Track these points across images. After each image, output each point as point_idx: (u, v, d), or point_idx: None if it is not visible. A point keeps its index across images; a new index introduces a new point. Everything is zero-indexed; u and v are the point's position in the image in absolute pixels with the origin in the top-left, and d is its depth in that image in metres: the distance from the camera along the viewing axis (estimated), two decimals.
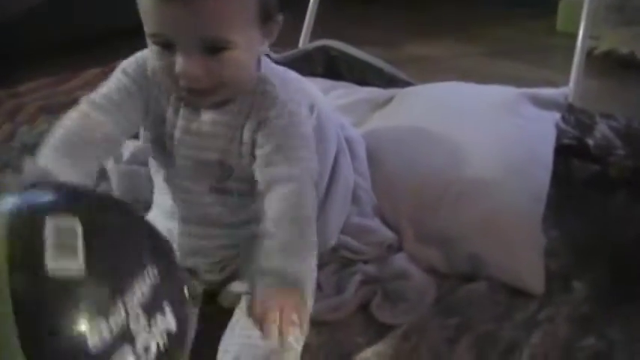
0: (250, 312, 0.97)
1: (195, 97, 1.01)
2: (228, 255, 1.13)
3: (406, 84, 1.69)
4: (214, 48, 0.96)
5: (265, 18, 1.01)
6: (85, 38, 2.49)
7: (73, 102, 2.00)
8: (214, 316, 1.08)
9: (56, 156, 1.02)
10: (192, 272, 1.13)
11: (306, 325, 0.96)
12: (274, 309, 0.94)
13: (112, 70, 2.23)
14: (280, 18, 1.05)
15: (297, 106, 1.07)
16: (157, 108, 1.09)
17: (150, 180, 1.24)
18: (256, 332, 0.94)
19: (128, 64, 1.10)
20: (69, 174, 0.99)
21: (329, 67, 1.80)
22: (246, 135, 1.05)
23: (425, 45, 2.62)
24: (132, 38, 2.42)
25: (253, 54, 1.03)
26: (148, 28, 0.98)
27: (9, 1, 2.49)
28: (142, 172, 1.29)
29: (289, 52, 1.80)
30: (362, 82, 1.72)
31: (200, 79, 0.97)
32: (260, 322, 0.94)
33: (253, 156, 1.06)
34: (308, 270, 0.99)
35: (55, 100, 2.05)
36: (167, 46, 0.97)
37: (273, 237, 0.99)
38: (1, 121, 1.95)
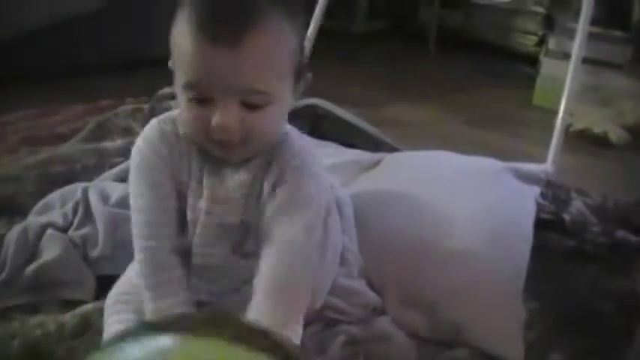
0: None
1: (227, 150, 1.00)
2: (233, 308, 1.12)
3: (391, 148, 1.73)
4: (254, 102, 0.96)
5: (298, 73, 1.03)
6: (69, 72, 2.50)
7: (56, 136, 2.02)
8: None
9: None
10: None
11: None
12: None
13: (96, 109, 2.25)
14: (310, 76, 1.07)
15: (309, 156, 1.07)
16: (179, 182, 1.07)
17: None
18: None
19: (139, 154, 1.07)
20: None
21: (316, 125, 1.82)
22: (266, 188, 1.05)
23: (403, 108, 2.66)
24: (116, 76, 2.46)
25: (286, 109, 1.04)
26: (185, 75, 0.96)
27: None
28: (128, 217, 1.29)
29: None
30: (347, 142, 1.75)
31: (236, 132, 0.96)
32: None
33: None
34: (294, 338, 0.99)
35: (37, 132, 2.05)
36: (202, 100, 0.96)
37: (261, 305, 0.99)
38: None
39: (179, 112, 1.03)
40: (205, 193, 1.05)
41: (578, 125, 2.43)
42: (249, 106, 0.96)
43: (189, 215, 1.07)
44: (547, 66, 2.81)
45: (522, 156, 1.68)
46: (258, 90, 0.96)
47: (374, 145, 1.76)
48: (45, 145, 1.91)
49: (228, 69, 0.93)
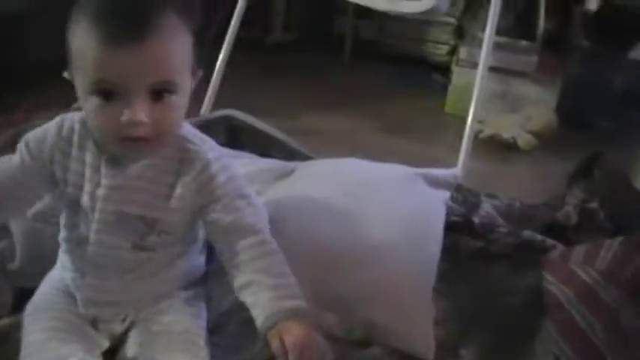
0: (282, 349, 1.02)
1: (138, 145, 1.02)
2: (131, 305, 1.15)
3: (306, 157, 1.76)
4: (160, 93, 1.00)
5: (193, 68, 1.07)
6: None
7: None
8: None
9: None
10: (93, 322, 1.14)
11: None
12: (308, 344, 1.02)
13: (8, 121, 2.20)
14: (200, 72, 1.11)
15: (224, 159, 1.14)
16: (71, 171, 1.11)
17: (54, 238, 1.25)
18: None
19: (33, 139, 1.13)
20: None
21: (231, 136, 1.84)
22: (180, 192, 1.09)
23: (320, 118, 2.69)
24: (31, 86, 2.40)
25: (186, 101, 1.08)
26: (90, 76, 0.99)
27: None
28: (48, 231, 1.28)
29: (192, 120, 1.83)
30: (263, 153, 1.78)
31: (145, 126, 0.99)
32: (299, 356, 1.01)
33: (192, 213, 1.12)
34: (302, 296, 1.07)
35: None
36: (108, 96, 0.99)
37: (272, 277, 1.08)
38: None
39: (87, 116, 1.06)
40: (104, 180, 1.08)
41: (488, 131, 2.51)
42: (156, 98, 1.00)
43: (86, 202, 1.10)
44: (458, 75, 2.90)
45: (435, 162, 1.73)
46: (166, 79, 1.01)
47: (289, 154, 1.79)
48: None
49: (135, 64, 0.97)
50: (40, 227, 1.34)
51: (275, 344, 1.04)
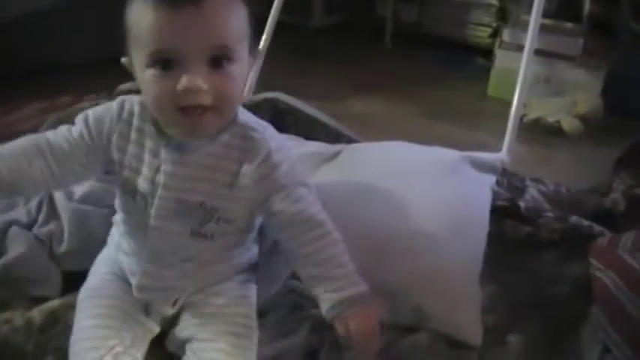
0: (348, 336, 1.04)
1: (195, 117, 1.01)
2: (184, 295, 1.16)
3: (351, 140, 1.76)
4: (219, 60, 0.99)
5: (251, 41, 1.07)
6: (26, 70, 2.48)
7: (17, 134, 2.00)
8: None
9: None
10: (146, 307, 1.15)
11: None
12: (372, 329, 1.04)
13: (56, 106, 2.24)
14: (258, 51, 1.11)
15: (286, 146, 1.15)
16: (129, 154, 1.11)
17: (101, 220, 1.26)
18: None
19: (93, 116, 1.13)
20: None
21: (276, 119, 1.83)
22: (243, 181, 1.09)
23: (364, 102, 2.69)
24: (77, 74, 2.45)
25: (245, 74, 1.07)
26: (148, 48, 0.99)
27: None
28: (95, 212, 1.30)
29: None
30: (308, 135, 1.78)
31: (204, 94, 0.99)
32: (366, 342, 1.04)
33: (254, 202, 1.12)
34: (362, 281, 1.08)
35: None
36: (167, 66, 0.99)
37: (335, 267, 1.08)
38: None
39: (144, 92, 1.05)
40: (164, 167, 1.08)
41: (532, 115, 2.48)
42: (215, 66, 1.00)
43: (144, 187, 1.10)
44: (501, 58, 2.86)
45: (478, 146, 1.71)
46: (224, 44, 1.00)
47: (334, 137, 1.78)
48: (4, 143, 1.90)
49: (193, 25, 0.97)
50: (87, 210, 1.35)
51: (341, 329, 1.05)
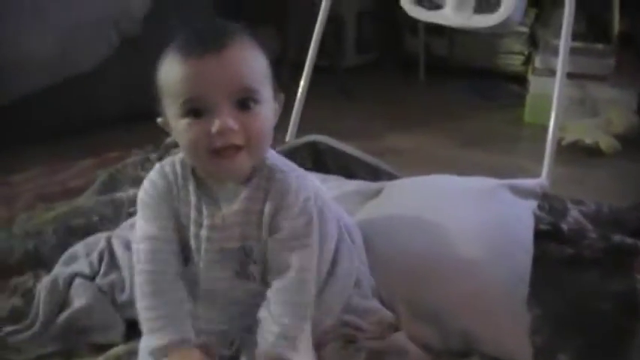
0: None
1: (227, 158, 1.08)
2: (238, 333, 1.21)
3: (391, 176, 1.80)
4: (245, 102, 1.07)
5: (274, 88, 1.14)
6: (74, 129, 2.57)
7: (69, 191, 2.08)
8: None
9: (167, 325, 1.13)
10: (206, 348, 1.19)
11: None
12: None
13: (104, 161, 2.32)
14: (282, 96, 1.18)
15: (307, 191, 1.18)
16: (181, 215, 1.18)
17: None
18: None
19: (145, 194, 1.19)
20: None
21: (317, 161, 1.90)
22: (266, 220, 1.14)
23: (399, 136, 2.71)
24: (123, 129, 2.53)
25: (272, 116, 1.14)
26: (179, 97, 1.07)
27: (2, 89, 2.57)
28: None
29: (278, 148, 1.89)
30: (349, 174, 1.83)
31: (236, 134, 1.06)
32: None
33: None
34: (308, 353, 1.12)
35: (50, 189, 2.12)
36: (198, 114, 1.06)
37: (275, 321, 1.11)
38: None
39: (180, 141, 1.12)
40: (205, 221, 1.15)
41: (570, 138, 2.50)
42: (243, 108, 1.07)
43: (193, 244, 1.17)
44: (535, 83, 2.89)
45: (518, 172, 1.74)
46: (248, 86, 1.08)
47: (374, 174, 1.83)
48: (59, 200, 1.98)
49: (218, 72, 1.06)
50: None
51: None
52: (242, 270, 1.17)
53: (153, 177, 1.19)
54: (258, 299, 1.18)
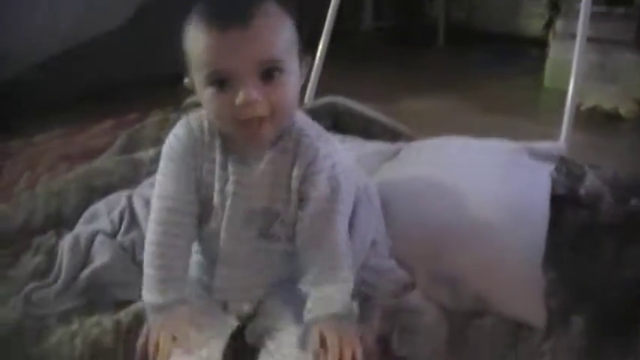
0: (305, 346, 1.09)
1: (254, 128, 1.08)
2: (260, 292, 1.23)
3: (409, 138, 1.81)
4: (270, 73, 1.06)
5: (300, 52, 1.13)
6: (96, 91, 2.59)
7: (90, 151, 2.11)
8: (240, 353, 1.19)
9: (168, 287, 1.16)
10: (223, 304, 1.23)
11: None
12: (335, 343, 1.06)
13: (124, 122, 2.34)
14: (309, 59, 1.18)
15: (334, 155, 1.19)
16: (205, 171, 1.18)
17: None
18: None
19: (169, 148, 1.19)
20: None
21: (336, 122, 1.91)
22: (294, 184, 1.15)
23: (419, 100, 2.72)
24: (144, 90, 2.55)
25: (297, 83, 1.14)
26: (204, 69, 1.07)
27: (22, 55, 2.60)
28: None
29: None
30: (367, 135, 1.84)
31: (260, 106, 1.06)
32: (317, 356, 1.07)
33: (300, 203, 1.17)
34: (354, 308, 1.13)
35: (71, 149, 2.15)
36: (222, 84, 1.06)
37: (322, 284, 1.13)
38: (22, 169, 2.04)
39: (206, 108, 1.13)
40: (231, 178, 1.16)
41: (589, 103, 2.49)
42: (267, 78, 1.06)
43: (217, 199, 1.17)
44: (556, 48, 2.88)
45: (537, 137, 1.73)
46: (273, 57, 1.06)
47: (391, 136, 1.84)
48: (81, 160, 2.01)
49: (243, 45, 1.04)
50: None
51: (315, 340, 1.10)
52: (266, 230, 1.18)
53: (178, 131, 1.20)
54: (279, 259, 1.20)
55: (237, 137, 1.13)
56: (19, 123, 2.36)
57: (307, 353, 1.10)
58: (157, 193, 1.20)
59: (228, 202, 1.17)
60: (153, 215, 1.20)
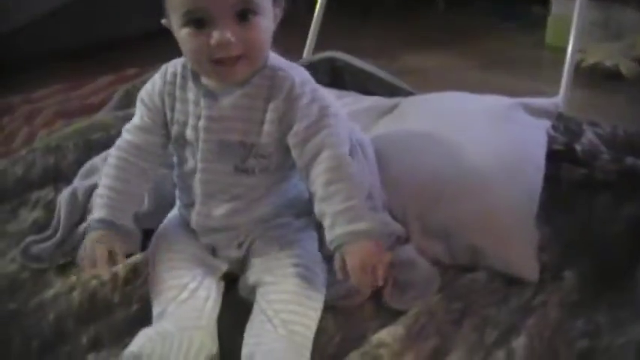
0: (343, 271, 1.10)
1: (228, 66, 1.13)
2: (244, 229, 1.25)
3: (407, 93, 1.80)
4: (244, 14, 1.10)
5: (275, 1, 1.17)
6: (94, 46, 2.58)
7: (87, 107, 2.12)
8: (236, 305, 1.21)
9: (115, 207, 1.24)
10: (212, 249, 1.26)
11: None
12: (369, 263, 1.08)
13: (122, 78, 2.34)
14: (283, 3, 1.20)
15: (313, 82, 1.23)
16: (177, 111, 1.23)
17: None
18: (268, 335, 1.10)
19: (142, 91, 1.28)
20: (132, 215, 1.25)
21: (334, 77, 1.91)
22: (270, 116, 1.18)
23: (419, 57, 2.72)
24: (139, 46, 2.54)
25: (270, 24, 1.17)
26: (181, 8, 1.11)
27: (19, 9, 2.58)
28: (170, 175, 1.38)
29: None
30: (365, 91, 1.83)
31: (234, 46, 1.10)
32: (359, 278, 1.09)
33: (280, 135, 1.20)
34: (376, 219, 1.16)
35: (69, 105, 2.16)
36: (199, 24, 1.10)
37: (340, 202, 1.12)
38: (20, 124, 2.05)
39: (182, 48, 1.17)
40: (203, 112, 1.20)
41: (590, 60, 2.48)
42: (242, 19, 1.11)
43: (190, 135, 1.22)
44: (557, 5, 2.86)
45: (537, 94, 1.72)
46: (249, 1, 1.10)
47: (390, 91, 1.83)
48: (78, 116, 2.02)
49: None
50: (164, 172, 1.44)
51: (337, 263, 1.12)
52: (242, 164, 1.21)
53: (155, 76, 1.27)
54: (257, 194, 1.23)
55: (211, 76, 1.18)
56: (18, 78, 2.35)
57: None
58: (126, 127, 1.29)
59: (202, 137, 1.20)
60: (119, 144, 1.28)
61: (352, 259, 1.09)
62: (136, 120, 1.29)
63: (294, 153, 1.20)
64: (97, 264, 1.18)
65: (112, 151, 1.29)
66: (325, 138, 1.17)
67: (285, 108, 1.18)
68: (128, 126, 1.29)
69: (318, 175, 1.15)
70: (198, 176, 1.23)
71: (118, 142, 1.29)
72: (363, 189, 1.19)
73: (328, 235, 1.13)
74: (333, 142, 1.17)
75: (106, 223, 1.22)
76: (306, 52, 2.21)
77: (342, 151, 1.18)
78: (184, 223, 1.29)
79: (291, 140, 1.19)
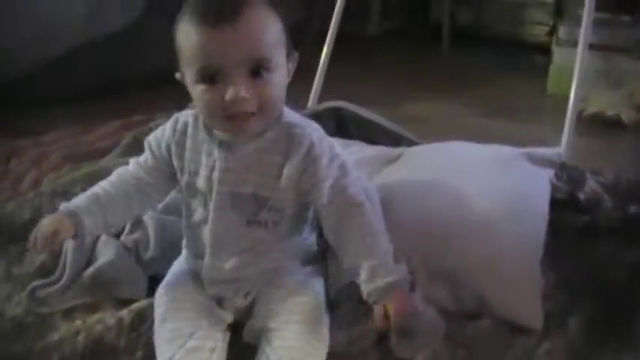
0: (383, 319, 1.13)
1: (241, 122, 1.14)
2: (252, 280, 1.25)
3: (412, 142, 1.82)
4: (258, 70, 1.11)
5: (288, 48, 1.18)
6: (104, 92, 2.61)
7: (96, 152, 2.13)
8: (240, 349, 1.22)
9: (89, 203, 1.24)
10: (219, 300, 1.26)
11: None
12: (409, 309, 1.13)
13: (131, 123, 2.36)
14: (296, 55, 1.21)
15: (327, 138, 1.24)
16: (187, 159, 1.24)
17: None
18: None
19: (153, 138, 1.30)
20: (97, 223, 1.24)
21: (339, 126, 1.92)
22: (288, 172, 1.19)
23: (422, 104, 2.73)
24: (148, 92, 2.57)
25: (285, 79, 1.19)
26: (195, 64, 1.12)
27: (30, 53, 2.62)
28: (176, 222, 1.39)
29: (300, 113, 1.91)
30: (370, 140, 1.85)
31: (248, 102, 1.11)
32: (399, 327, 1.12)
33: (299, 192, 1.21)
34: (398, 267, 1.16)
35: (77, 149, 2.17)
36: (213, 80, 1.11)
37: (377, 255, 1.16)
38: (27, 168, 2.06)
39: (196, 103, 1.18)
40: (218, 163, 1.20)
41: (592, 109, 2.50)
42: (255, 76, 1.11)
43: (203, 186, 1.22)
44: (559, 54, 2.89)
45: (539, 143, 1.73)
46: (260, 56, 1.11)
47: (395, 140, 1.85)
48: (85, 160, 2.03)
49: (232, 42, 1.09)
50: (170, 219, 1.45)
51: (378, 316, 1.14)
52: (254, 217, 1.21)
53: (166, 125, 1.29)
54: (267, 246, 1.23)
55: (224, 129, 1.19)
56: (27, 121, 2.38)
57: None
58: (134, 158, 1.33)
59: (215, 188, 1.21)
60: (118, 170, 1.33)
61: (397, 307, 1.12)
62: (141, 159, 1.31)
63: (321, 214, 1.21)
64: (37, 239, 1.19)
65: (118, 169, 1.33)
66: (351, 197, 1.19)
67: (304, 165, 1.19)
68: (137, 159, 1.32)
69: (351, 230, 1.18)
70: (208, 227, 1.23)
71: (124, 167, 1.33)
72: (387, 237, 1.20)
73: (367, 287, 1.15)
74: (358, 198, 1.20)
75: (69, 212, 1.23)
76: (311, 101, 2.23)
77: (368, 205, 1.20)
78: (191, 273, 1.29)
79: (316, 201, 1.20)
